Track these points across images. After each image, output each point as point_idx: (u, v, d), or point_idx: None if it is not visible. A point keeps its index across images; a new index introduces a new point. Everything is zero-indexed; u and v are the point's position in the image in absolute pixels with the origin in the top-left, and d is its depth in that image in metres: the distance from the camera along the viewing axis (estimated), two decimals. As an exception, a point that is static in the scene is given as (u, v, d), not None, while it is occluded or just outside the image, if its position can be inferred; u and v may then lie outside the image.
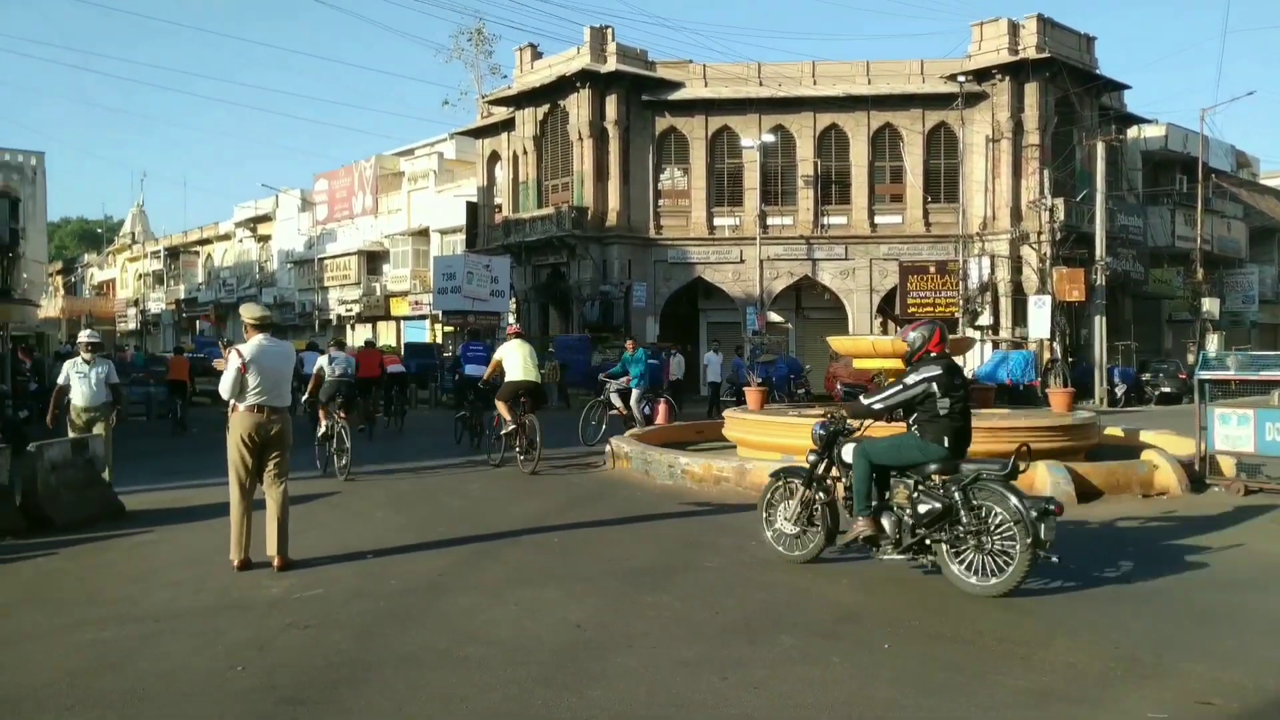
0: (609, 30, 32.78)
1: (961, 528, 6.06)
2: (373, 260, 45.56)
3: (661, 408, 16.54)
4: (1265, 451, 10.01)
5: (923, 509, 6.19)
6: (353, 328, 45.88)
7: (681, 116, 32.98)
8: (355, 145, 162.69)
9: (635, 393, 16.11)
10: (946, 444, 6.30)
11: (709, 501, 9.97)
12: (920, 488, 6.32)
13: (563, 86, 32.83)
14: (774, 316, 33.29)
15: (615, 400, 16.00)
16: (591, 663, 5.01)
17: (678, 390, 25.85)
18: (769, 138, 32.05)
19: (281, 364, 7.19)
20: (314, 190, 49.63)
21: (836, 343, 14.83)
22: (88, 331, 11.45)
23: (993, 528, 5.96)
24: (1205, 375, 10.85)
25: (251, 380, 6.96)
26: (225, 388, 6.99)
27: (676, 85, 32.83)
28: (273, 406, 7.06)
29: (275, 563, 6.95)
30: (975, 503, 6.04)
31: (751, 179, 32.45)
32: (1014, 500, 5.88)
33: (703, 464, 11.03)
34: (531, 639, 5.41)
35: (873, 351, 13.15)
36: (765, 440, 11.49)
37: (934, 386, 6.29)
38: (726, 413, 13.18)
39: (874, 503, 6.45)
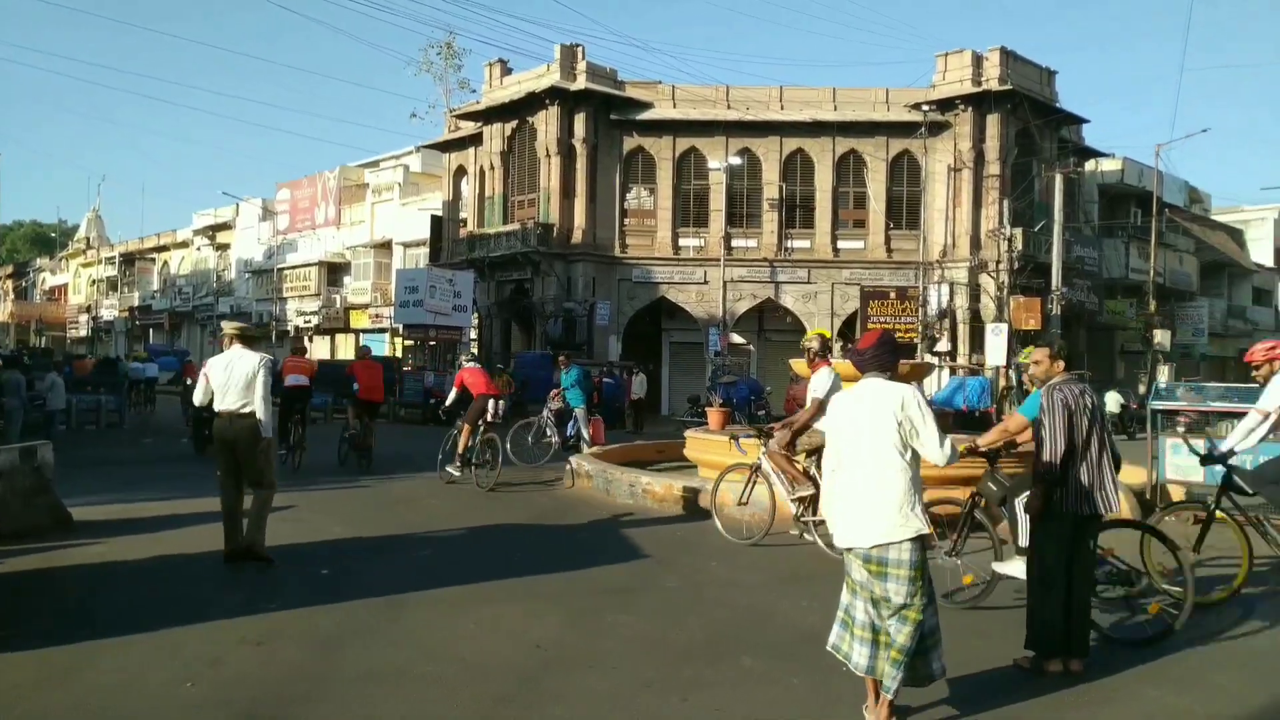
0: (580, 49, 32.92)
1: None
2: (333, 272, 45.14)
3: (595, 425, 16.43)
4: (1213, 481, 10.16)
5: None
6: (310, 339, 45.37)
7: (649, 136, 33.15)
8: (319, 155, 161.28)
9: (578, 411, 15.95)
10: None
11: (670, 520, 9.95)
12: None
13: (532, 103, 32.88)
14: (736, 338, 33.45)
15: (549, 422, 15.63)
16: (553, 682, 4.97)
17: (639, 409, 25.94)
18: (735, 160, 32.30)
19: (231, 374, 7.45)
20: (276, 199, 49.11)
21: (798, 365, 14.89)
22: None
23: None
24: (1158, 405, 11.04)
25: (214, 388, 7.52)
26: (196, 395, 7.76)
27: (645, 105, 33.01)
28: (230, 412, 7.43)
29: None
30: None
31: (717, 201, 32.67)
32: None
33: (664, 483, 11.01)
34: (492, 657, 5.35)
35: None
36: (722, 460, 11.49)
37: None
38: (687, 433, 13.16)
39: None
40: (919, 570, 4.20)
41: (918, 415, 4.24)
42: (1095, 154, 37.59)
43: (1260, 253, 49.29)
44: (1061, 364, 5.39)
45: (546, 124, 32.70)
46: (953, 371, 30.55)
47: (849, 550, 4.33)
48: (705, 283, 32.64)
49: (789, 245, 32.91)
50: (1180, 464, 10.52)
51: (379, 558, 7.97)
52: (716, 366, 30.54)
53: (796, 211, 33.04)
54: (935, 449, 4.25)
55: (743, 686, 4.95)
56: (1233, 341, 47.15)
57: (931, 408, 4.38)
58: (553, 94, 32.09)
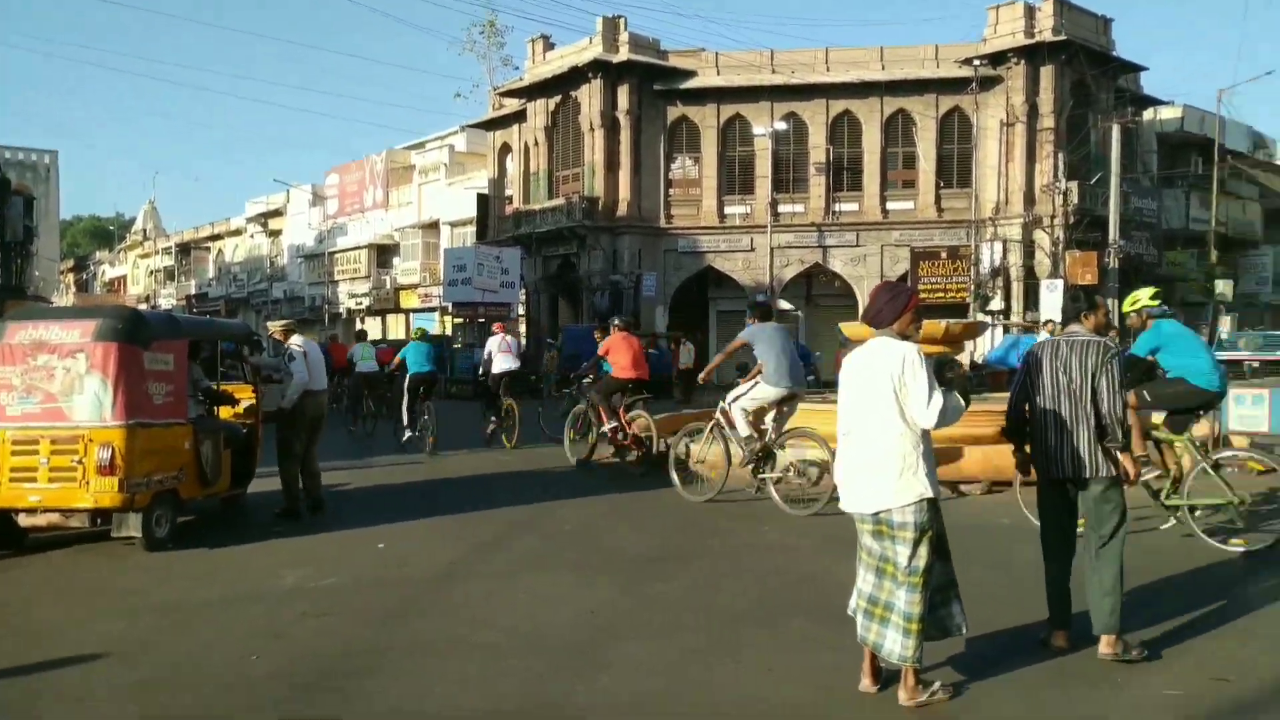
0: (621, 20, 32.67)
1: None
2: (383, 253, 45.66)
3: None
4: (1279, 430, 9.94)
5: None
6: (362, 320, 46.04)
7: (693, 105, 32.85)
8: (366, 139, 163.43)
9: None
10: None
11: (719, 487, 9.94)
12: None
13: (575, 77, 32.75)
14: (784, 304, 33.18)
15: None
16: (605, 649, 5.00)
17: (688, 379, 25.91)
18: (781, 125, 31.87)
19: (319, 361, 8.89)
20: (325, 184, 49.75)
21: (848, 328, 14.71)
22: None
23: None
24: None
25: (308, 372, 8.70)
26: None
27: (689, 74, 32.69)
28: (321, 390, 8.91)
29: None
30: None
31: (763, 167, 32.32)
32: None
33: (715, 451, 10.96)
34: (544, 626, 5.42)
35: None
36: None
37: None
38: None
39: None
40: (924, 533, 4.08)
41: (909, 373, 4.02)
42: (1154, 102, 36.41)
43: (1330, 198, 47.44)
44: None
45: (590, 97, 32.57)
46: (1006, 330, 30.00)
47: (856, 516, 4.28)
48: (752, 250, 32.39)
49: (837, 209, 32.48)
50: (1245, 414, 10.27)
51: (432, 532, 8.07)
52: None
53: (844, 174, 32.57)
54: (921, 408, 4.00)
55: (796, 650, 4.94)
56: (1300, 290, 45.63)
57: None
58: (595, 67, 31.91)
